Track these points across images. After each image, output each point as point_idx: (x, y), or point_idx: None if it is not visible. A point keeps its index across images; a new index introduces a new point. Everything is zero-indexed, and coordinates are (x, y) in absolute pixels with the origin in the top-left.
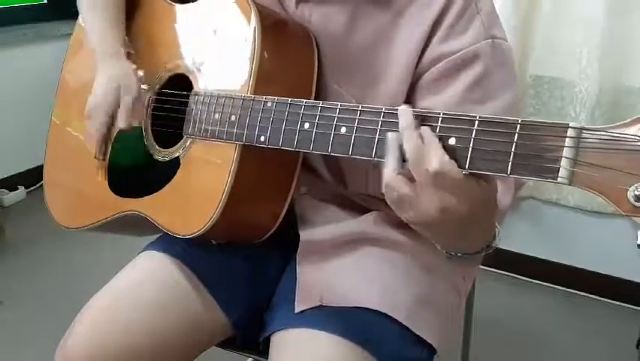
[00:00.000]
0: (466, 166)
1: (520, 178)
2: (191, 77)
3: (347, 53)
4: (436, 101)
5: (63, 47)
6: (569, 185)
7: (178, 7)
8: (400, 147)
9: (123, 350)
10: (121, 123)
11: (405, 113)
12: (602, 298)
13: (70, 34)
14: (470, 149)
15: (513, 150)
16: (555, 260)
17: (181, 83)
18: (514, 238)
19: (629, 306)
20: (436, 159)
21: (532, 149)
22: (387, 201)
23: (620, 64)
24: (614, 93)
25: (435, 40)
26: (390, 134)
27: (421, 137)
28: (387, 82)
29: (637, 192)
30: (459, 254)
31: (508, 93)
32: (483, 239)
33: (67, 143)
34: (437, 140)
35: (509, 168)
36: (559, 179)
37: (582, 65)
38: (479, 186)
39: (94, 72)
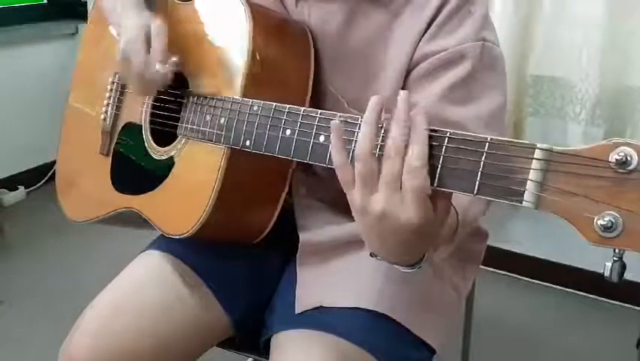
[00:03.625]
0: (435, 184)
1: (486, 199)
2: (187, 76)
3: (344, 53)
4: (414, 100)
5: (63, 47)
6: (535, 209)
7: (178, 5)
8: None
9: (126, 351)
10: (157, 65)
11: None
12: (602, 298)
13: (71, 34)
14: (439, 166)
15: (481, 169)
16: (555, 260)
17: (180, 81)
18: (514, 238)
19: (629, 306)
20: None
21: (500, 169)
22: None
23: (620, 64)
24: (614, 93)
25: (424, 39)
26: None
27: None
28: (381, 84)
29: (603, 222)
30: (379, 257)
31: (493, 98)
32: (408, 256)
33: (79, 130)
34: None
35: (476, 187)
36: (524, 203)
37: (582, 65)
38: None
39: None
